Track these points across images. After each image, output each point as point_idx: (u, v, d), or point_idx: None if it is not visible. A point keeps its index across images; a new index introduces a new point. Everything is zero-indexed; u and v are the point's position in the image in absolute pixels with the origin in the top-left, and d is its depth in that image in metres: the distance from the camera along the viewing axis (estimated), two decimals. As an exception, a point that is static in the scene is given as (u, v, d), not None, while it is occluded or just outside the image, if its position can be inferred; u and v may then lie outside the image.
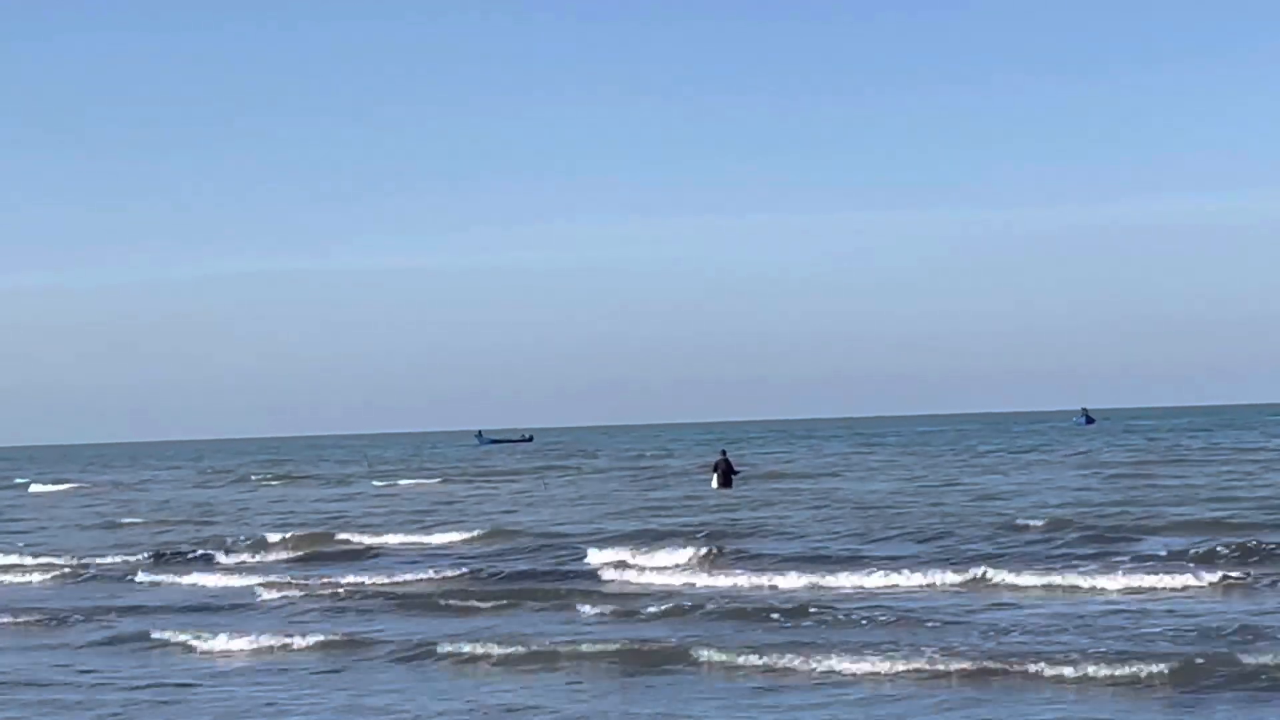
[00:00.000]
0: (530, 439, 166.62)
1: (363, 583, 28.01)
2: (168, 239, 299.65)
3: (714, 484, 50.80)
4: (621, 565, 28.73)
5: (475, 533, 36.63)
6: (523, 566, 29.39)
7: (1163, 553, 26.83)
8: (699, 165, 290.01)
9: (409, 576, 28.59)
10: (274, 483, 78.09)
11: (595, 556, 30.33)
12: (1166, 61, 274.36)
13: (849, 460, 78.37)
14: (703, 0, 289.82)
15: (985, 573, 24.83)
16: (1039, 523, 32.74)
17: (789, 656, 18.04)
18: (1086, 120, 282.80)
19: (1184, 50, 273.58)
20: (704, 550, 29.63)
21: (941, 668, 17.14)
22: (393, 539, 36.70)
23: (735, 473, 51.89)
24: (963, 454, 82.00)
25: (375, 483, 71.75)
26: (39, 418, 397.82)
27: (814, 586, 25.09)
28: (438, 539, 36.18)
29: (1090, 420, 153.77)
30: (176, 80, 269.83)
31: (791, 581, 25.58)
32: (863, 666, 17.46)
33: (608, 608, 23.13)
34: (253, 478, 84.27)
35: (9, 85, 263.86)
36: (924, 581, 24.70)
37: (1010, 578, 24.45)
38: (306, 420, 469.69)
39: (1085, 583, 23.91)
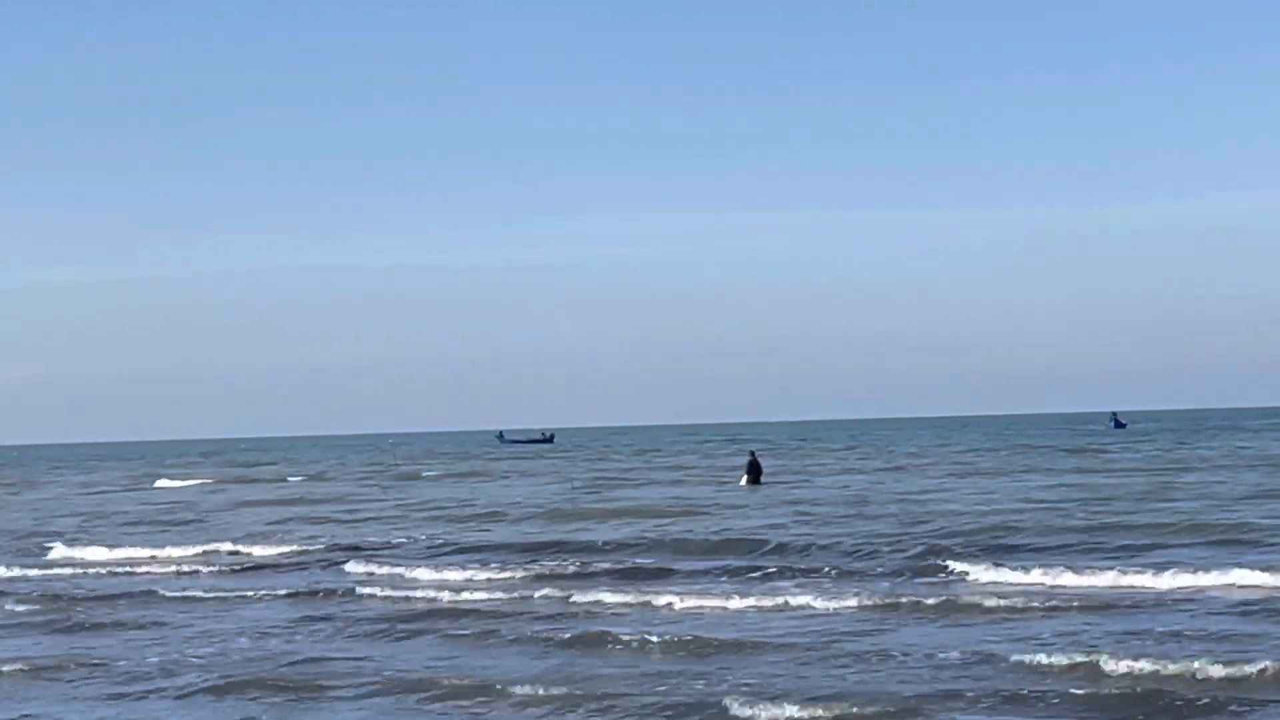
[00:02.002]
0: (551, 439, 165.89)
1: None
2: (195, 233, 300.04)
3: (744, 482, 54.22)
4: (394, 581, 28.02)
5: (311, 546, 35.53)
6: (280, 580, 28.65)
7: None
8: (711, 163, 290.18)
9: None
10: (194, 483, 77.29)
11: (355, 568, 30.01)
12: (1194, 60, 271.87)
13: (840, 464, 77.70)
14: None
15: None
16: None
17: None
18: (1112, 120, 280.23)
19: (1212, 49, 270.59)
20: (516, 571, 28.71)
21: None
22: (175, 551, 35.97)
23: (762, 472, 56.03)
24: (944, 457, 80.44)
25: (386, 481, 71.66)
26: (75, 414, 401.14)
27: (564, 599, 24.57)
28: (261, 551, 35.31)
29: (1120, 424, 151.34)
30: (209, 73, 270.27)
31: (548, 593, 25.24)
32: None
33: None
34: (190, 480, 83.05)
35: (48, 81, 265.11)
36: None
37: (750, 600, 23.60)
38: (320, 420, 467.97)
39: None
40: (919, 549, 29.29)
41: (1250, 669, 16.32)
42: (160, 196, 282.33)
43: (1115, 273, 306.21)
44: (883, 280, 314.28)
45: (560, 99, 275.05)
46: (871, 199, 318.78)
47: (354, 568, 30.23)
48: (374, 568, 29.99)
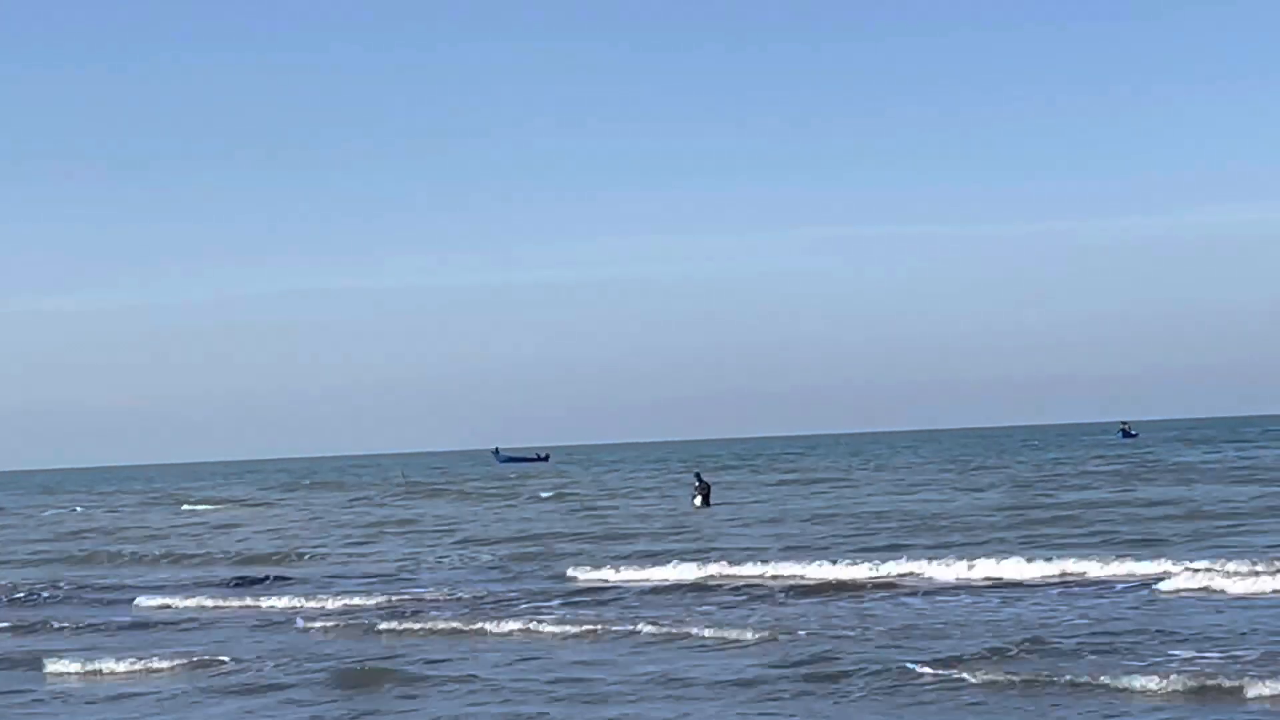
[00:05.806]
0: (547, 458, 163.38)
1: None
2: (198, 259, 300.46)
3: (697, 503, 55.61)
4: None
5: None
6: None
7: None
8: (708, 184, 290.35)
9: None
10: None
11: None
12: (1192, 73, 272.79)
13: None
14: (738, 29, 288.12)
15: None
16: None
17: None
18: (1116, 132, 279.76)
19: (1211, 64, 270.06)
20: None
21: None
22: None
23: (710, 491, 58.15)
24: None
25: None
26: (89, 438, 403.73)
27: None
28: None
29: (1131, 434, 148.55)
30: (226, 101, 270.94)
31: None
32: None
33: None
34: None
35: (60, 109, 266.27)
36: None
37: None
38: (315, 441, 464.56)
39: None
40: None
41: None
42: (184, 221, 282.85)
43: (1136, 282, 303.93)
44: (895, 294, 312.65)
45: (577, 121, 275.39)
46: (883, 215, 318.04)
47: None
48: None
